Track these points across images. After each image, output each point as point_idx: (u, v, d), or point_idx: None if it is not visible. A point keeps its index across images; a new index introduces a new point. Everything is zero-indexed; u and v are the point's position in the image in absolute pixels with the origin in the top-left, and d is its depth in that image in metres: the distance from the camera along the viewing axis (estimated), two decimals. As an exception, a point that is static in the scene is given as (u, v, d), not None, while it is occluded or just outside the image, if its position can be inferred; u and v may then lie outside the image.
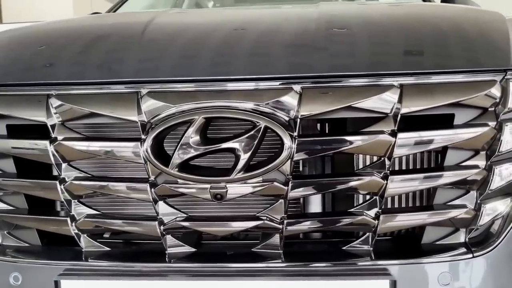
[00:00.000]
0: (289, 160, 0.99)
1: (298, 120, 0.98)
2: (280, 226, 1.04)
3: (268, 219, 1.04)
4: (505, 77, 1.00)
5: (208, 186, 1.01)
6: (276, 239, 1.06)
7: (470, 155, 1.02)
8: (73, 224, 1.08)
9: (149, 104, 1.00)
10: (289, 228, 1.04)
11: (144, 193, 1.03)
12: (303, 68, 1.03)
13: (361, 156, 1.12)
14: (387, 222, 1.04)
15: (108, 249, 1.12)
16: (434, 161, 1.12)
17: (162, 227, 1.05)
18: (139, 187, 1.04)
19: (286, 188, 1.01)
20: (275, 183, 1.01)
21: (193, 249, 1.09)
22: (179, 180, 1.02)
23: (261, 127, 0.97)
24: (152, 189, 1.03)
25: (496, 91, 0.99)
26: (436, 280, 1.02)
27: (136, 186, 1.04)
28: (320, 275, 1.02)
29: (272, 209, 1.04)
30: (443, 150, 1.04)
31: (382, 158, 1.02)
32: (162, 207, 1.05)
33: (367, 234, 1.07)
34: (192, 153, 0.98)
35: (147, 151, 0.99)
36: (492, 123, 0.99)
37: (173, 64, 1.08)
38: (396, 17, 1.30)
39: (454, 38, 1.12)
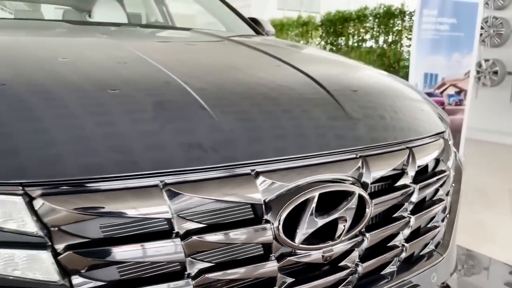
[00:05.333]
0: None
1: (369, 184, 1.21)
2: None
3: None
4: None
5: (321, 251, 1.13)
6: None
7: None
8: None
9: (266, 184, 1.05)
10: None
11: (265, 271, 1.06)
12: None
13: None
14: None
15: None
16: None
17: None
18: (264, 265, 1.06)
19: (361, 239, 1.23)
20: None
21: None
22: (298, 251, 1.10)
23: (355, 195, 1.16)
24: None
25: None
26: None
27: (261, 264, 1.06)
28: None
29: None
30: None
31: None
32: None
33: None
34: (314, 226, 1.09)
35: (277, 230, 1.04)
36: None
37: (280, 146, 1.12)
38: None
39: None
